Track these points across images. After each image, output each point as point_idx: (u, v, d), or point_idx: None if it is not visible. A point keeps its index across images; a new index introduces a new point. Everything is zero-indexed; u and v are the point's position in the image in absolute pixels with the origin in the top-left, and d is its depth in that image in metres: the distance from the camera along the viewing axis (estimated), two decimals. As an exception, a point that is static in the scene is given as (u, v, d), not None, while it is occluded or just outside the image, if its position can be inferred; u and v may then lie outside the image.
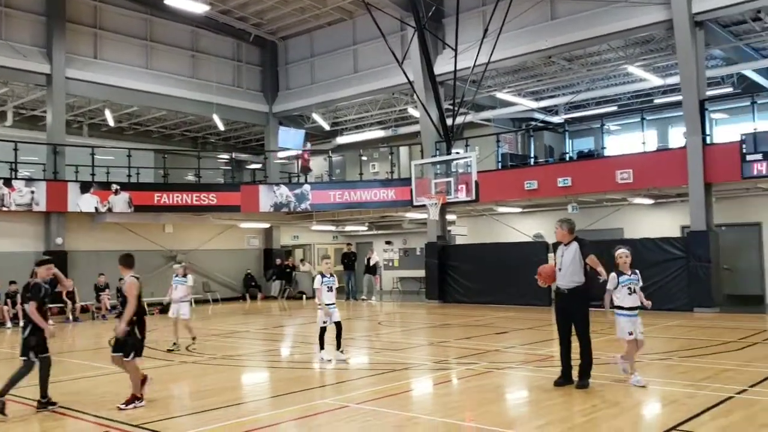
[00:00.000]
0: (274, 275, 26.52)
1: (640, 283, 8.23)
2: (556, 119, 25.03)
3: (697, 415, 6.49)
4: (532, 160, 22.56)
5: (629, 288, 8.10)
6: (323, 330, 10.48)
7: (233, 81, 26.68)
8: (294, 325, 17.58)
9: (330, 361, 10.19)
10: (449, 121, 20.24)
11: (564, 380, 8.08)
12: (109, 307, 19.89)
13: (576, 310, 8.15)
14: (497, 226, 22.84)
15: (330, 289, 10.50)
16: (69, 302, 19.16)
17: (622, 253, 8.20)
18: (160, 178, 23.64)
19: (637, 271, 8.26)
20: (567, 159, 21.33)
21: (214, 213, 23.66)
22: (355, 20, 24.53)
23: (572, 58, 21.08)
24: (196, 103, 25.11)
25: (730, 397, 7.15)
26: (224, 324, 17.57)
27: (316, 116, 26.43)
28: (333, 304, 10.52)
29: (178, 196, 22.53)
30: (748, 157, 15.86)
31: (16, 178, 20.20)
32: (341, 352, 10.45)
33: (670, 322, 14.76)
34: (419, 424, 6.51)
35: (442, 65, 21.05)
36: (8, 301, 18.07)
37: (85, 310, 20.37)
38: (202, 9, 20.55)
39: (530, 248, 20.31)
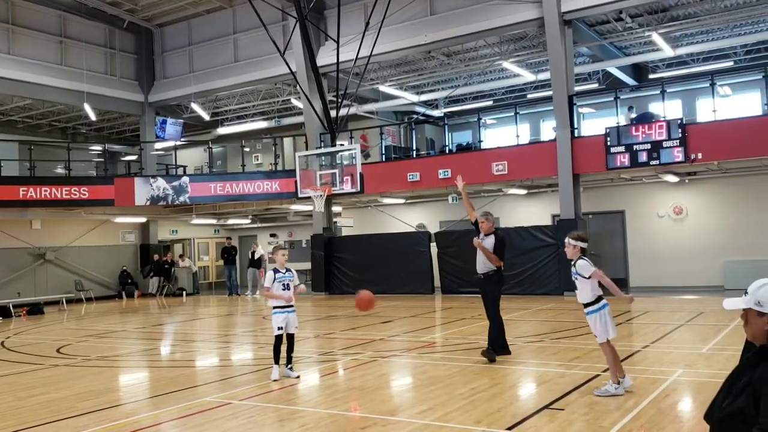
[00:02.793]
0: (151, 272, 25.54)
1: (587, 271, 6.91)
2: (436, 113, 25.68)
3: (567, 393, 6.91)
4: (415, 153, 23.05)
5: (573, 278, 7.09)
6: (278, 339, 8.35)
7: (106, 69, 25.30)
8: (174, 323, 17.03)
9: (277, 380, 8.20)
10: (333, 113, 20.27)
11: (497, 349, 8.83)
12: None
13: (487, 292, 8.94)
14: (382, 217, 23.17)
15: (286, 287, 8.37)
16: None
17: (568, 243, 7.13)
18: (26, 171, 22.08)
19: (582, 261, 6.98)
20: (447, 151, 21.95)
21: (86, 207, 22.42)
22: (235, 9, 23.95)
23: (451, 53, 21.69)
24: (66, 92, 23.59)
25: (597, 375, 7.66)
26: (99, 324, 16.73)
27: (195, 106, 25.61)
28: (290, 307, 8.39)
29: (46, 190, 21.13)
30: (612, 150, 17.01)
31: None
32: (290, 368, 8.43)
33: (542, 306, 15.62)
34: (304, 416, 6.51)
35: (325, 57, 21.02)
36: None
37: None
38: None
39: (414, 238, 20.97)
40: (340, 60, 18.82)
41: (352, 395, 7.49)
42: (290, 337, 8.42)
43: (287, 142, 26.35)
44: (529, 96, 24.09)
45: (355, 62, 19.14)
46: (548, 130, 22.39)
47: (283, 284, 8.38)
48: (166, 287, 25.30)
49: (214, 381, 8.74)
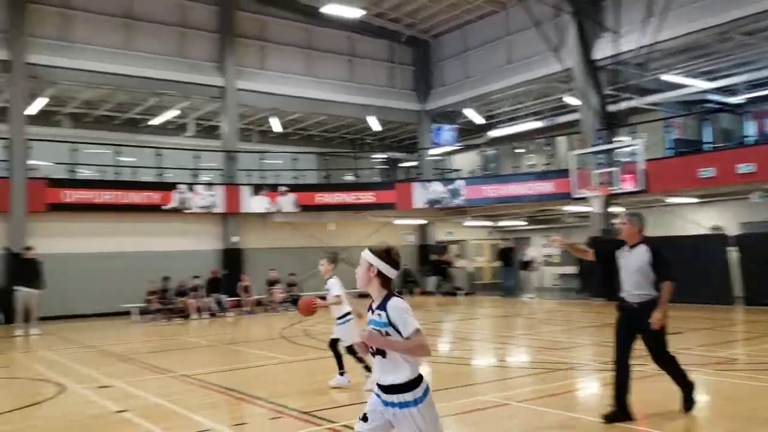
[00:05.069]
0: (429, 271, 26.69)
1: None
2: (734, 100, 22.91)
3: None
4: (710, 146, 20.76)
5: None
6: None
7: (387, 82, 27.22)
8: (450, 321, 17.57)
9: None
10: (611, 108, 19.24)
11: (618, 411, 6.29)
12: (279, 300, 21.05)
13: (647, 327, 6.31)
14: (668, 218, 21.33)
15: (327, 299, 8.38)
16: (244, 295, 20.58)
17: None
18: (322, 179, 24.66)
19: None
20: (748, 143, 19.40)
21: (371, 211, 24.26)
22: (508, 11, 24.05)
23: (753, 31, 19.13)
24: (354, 106, 25.93)
25: None
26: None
27: (467, 111, 26.20)
28: (339, 318, 8.51)
29: (338, 196, 23.42)
30: None
31: (197, 183, 21.97)
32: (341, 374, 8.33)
33: None
34: (584, 424, 6.19)
35: (601, 50, 20.03)
36: (192, 294, 19.45)
37: (258, 303, 21.68)
38: (357, 14, 20.95)
39: (708, 242, 18.67)
40: (619, 51, 17.80)
41: (636, 407, 6.93)
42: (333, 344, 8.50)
43: (561, 141, 25.69)
44: None
45: (638, 52, 17.89)
46: None
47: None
48: (443, 286, 26.27)
49: (491, 381, 8.78)
